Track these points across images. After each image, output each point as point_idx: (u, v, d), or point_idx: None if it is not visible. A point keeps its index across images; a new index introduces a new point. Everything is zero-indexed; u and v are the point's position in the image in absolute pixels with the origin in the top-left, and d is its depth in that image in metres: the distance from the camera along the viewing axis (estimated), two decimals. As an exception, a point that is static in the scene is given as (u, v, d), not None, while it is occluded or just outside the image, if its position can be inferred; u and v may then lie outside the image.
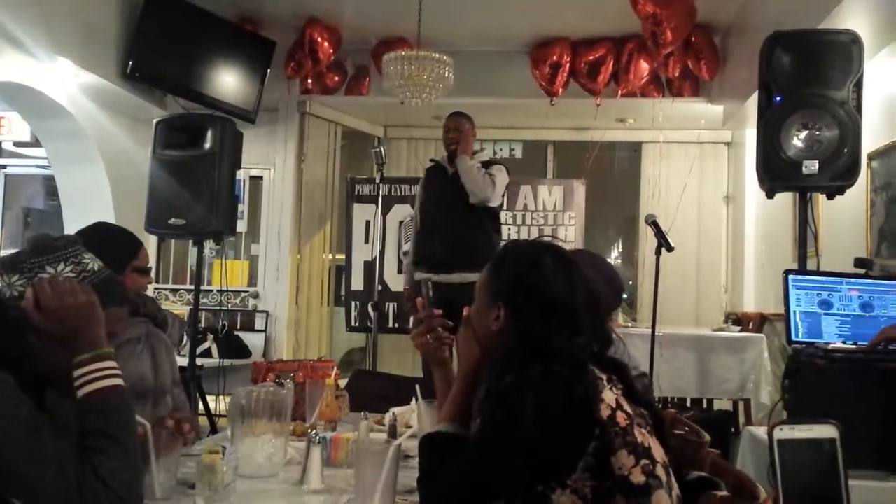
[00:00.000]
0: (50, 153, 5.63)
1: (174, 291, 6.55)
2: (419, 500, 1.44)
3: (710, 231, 6.79)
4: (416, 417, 2.21)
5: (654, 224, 4.05)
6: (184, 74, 5.55)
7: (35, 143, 6.39)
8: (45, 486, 1.20)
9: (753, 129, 3.46)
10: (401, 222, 6.44)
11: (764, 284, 5.84)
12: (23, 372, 1.29)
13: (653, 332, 3.98)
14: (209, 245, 4.59)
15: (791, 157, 3.11)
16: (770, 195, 3.32)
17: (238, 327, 6.31)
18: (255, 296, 6.48)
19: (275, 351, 6.29)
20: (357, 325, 6.55)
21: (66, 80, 5.04)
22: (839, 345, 2.21)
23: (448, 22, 5.64)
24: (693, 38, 5.67)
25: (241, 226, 6.40)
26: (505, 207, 6.29)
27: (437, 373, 1.68)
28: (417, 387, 2.06)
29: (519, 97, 6.35)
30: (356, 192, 6.64)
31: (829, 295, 2.46)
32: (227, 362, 4.85)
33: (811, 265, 3.41)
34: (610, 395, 1.33)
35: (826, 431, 1.14)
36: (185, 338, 4.38)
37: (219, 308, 6.12)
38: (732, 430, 4.42)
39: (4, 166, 7.43)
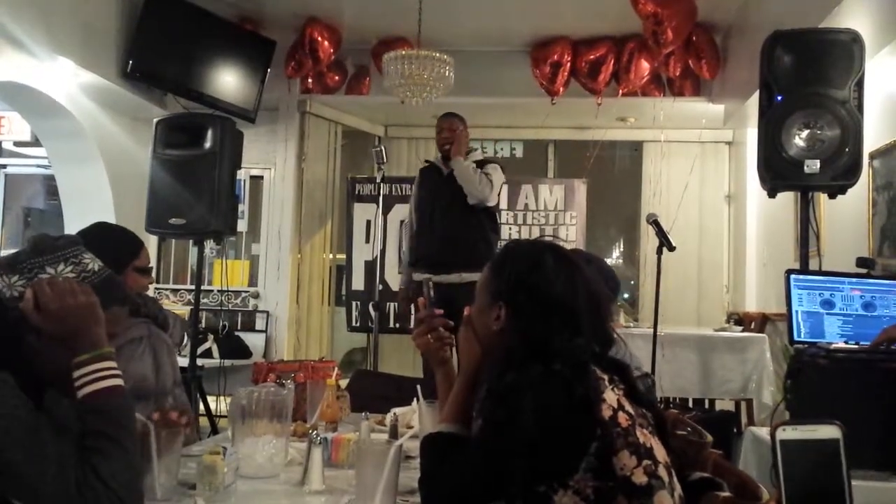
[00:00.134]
0: (50, 153, 5.63)
1: (174, 291, 6.55)
2: (420, 501, 1.44)
3: (712, 231, 6.78)
4: (417, 418, 2.20)
5: (655, 224, 4.05)
6: (184, 74, 5.55)
7: (35, 142, 6.39)
8: (46, 486, 1.20)
9: (755, 129, 3.45)
10: (401, 222, 6.41)
11: (766, 284, 5.83)
12: (23, 372, 1.29)
13: (654, 332, 3.97)
14: (210, 245, 4.58)
15: (792, 157, 3.10)
16: (771, 195, 3.32)
17: (239, 327, 6.31)
18: (256, 296, 6.47)
19: (275, 351, 6.29)
20: (358, 325, 6.55)
21: (67, 79, 5.04)
22: (841, 345, 2.21)
23: (448, 21, 5.64)
24: (694, 38, 5.66)
25: (242, 225, 6.39)
26: (506, 207, 6.36)
27: (439, 373, 1.68)
28: (418, 387, 2.06)
29: (519, 96, 6.34)
30: (357, 192, 6.64)
31: (831, 295, 2.45)
32: (227, 363, 4.85)
33: (813, 265, 3.40)
34: (612, 396, 1.32)
35: (830, 432, 1.13)
36: (186, 338, 4.38)
37: (219, 308, 6.12)
38: (734, 430, 4.41)
39: (4, 166, 7.43)
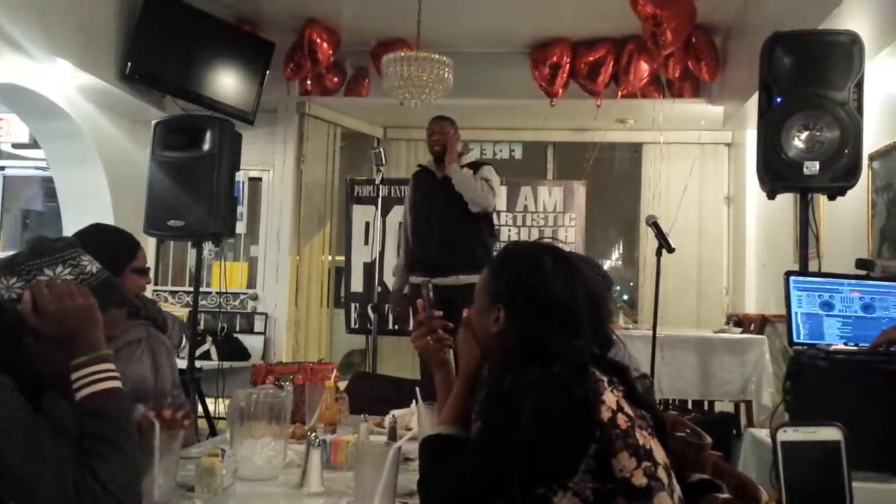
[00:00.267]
0: (48, 155, 5.62)
1: (173, 293, 6.54)
2: (419, 503, 1.43)
3: (711, 232, 6.78)
4: (416, 420, 2.20)
5: (654, 225, 4.05)
6: (182, 76, 5.55)
7: (33, 144, 6.39)
8: (44, 488, 1.20)
9: (754, 130, 3.45)
10: (400, 223, 6.43)
11: (765, 286, 5.83)
12: (21, 374, 1.29)
13: (654, 333, 3.97)
14: (208, 246, 4.57)
15: (792, 158, 3.10)
16: (771, 196, 3.31)
17: (237, 329, 6.31)
18: (255, 297, 6.47)
19: (274, 353, 6.28)
20: (357, 326, 6.55)
21: (65, 81, 5.03)
22: (841, 346, 2.20)
23: (447, 23, 5.63)
24: (693, 39, 5.66)
25: (241, 227, 6.40)
26: (505, 208, 6.36)
27: (438, 375, 1.68)
28: (417, 389, 2.06)
29: (519, 98, 6.34)
30: (356, 194, 6.64)
31: (830, 296, 2.45)
32: (226, 364, 4.84)
33: (812, 266, 3.40)
34: (611, 397, 1.32)
35: (831, 434, 1.13)
36: (185, 340, 4.37)
37: (218, 310, 6.12)
38: (734, 432, 4.41)
39: (3, 168, 7.44)
